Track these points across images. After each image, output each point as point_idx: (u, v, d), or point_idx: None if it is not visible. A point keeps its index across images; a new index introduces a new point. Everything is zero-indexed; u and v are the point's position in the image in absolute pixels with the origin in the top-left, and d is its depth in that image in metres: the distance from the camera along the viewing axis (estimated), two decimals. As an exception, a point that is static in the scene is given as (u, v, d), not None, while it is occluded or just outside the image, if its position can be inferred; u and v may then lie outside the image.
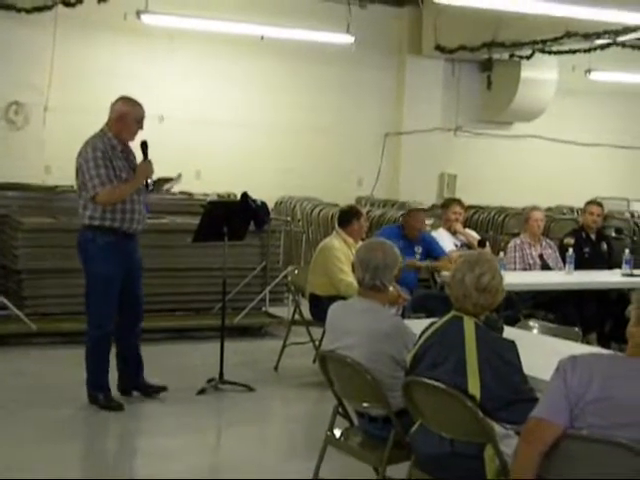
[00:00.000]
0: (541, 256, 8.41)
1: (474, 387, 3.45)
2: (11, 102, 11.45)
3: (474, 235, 8.61)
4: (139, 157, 6.19)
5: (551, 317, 8.07)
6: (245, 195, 6.87)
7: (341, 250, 7.04)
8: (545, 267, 8.37)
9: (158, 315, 8.39)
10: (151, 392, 6.37)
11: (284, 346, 7.44)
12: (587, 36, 10.96)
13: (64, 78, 11.52)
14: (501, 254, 7.78)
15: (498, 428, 3.46)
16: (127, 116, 6.00)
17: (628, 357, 3.03)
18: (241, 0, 12.02)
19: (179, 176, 6.33)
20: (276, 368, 7.40)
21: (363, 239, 7.10)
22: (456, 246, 8.19)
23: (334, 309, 4.36)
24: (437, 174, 14.08)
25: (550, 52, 12.33)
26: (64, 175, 10.40)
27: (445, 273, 7.22)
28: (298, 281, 7.64)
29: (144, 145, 6.12)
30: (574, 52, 12.12)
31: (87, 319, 6.19)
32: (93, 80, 11.56)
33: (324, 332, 7.01)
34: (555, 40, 11.40)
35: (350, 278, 6.65)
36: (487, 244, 8.17)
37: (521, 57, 13.12)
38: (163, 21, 11.24)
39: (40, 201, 9.39)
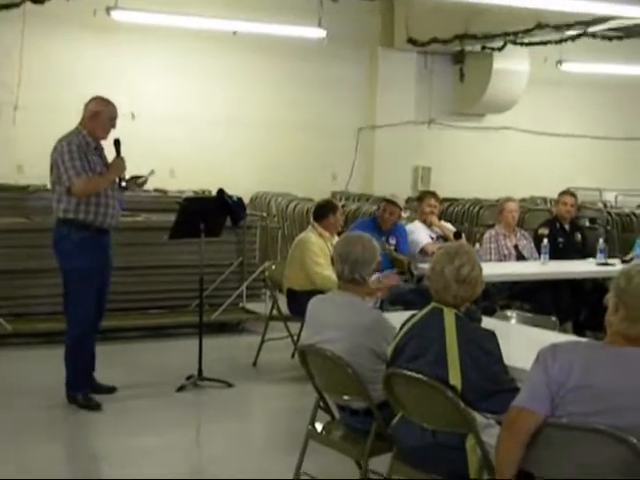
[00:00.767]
0: (516, 247, 8.46)
1: (455, 378, 3.47)
2: (-20, 101, 11.37)
3: (450, 227, 8.64)
4: (112, 154, 6.17)
5: (527, 307, 8.12)
6: (221, 191, 6.84)
7: (317, 244, 7.05)
8: (520, 258, 8.41)
9: (135, 313, 8.39)
10: (101, 391, 6.30)
11: (262, 341, 7.43)
12: (558, 27, 11.04)
13: (34, 76, 11.45)
14: (477, 245, 7.82)
15: (479, 418, 3.47)
16: (100, 115, 6.05)
17: (607, 345, 3.05)
18: (212, -5, 12.01)
19: (151, 172, 6.30)
20: (255, 364, 7.39)
21: (339, 233, 7.11)
22: (432, 238, 8.21)
23: (314, 303, 4.36)
24: (411, 167, 14.12)
25: (522, 43, 12.42)
26: (36, 174, 10.34)
27: (422, 265, 7.25)
28: (275, 276, 7.63)
29: (117, 143, 6.14)
30: (545, 43, 12.21)
31: (66, 318, 6.18)
32: (63, 78, 11.50)
33: (302, 327, 7.06)
34: (526, 31, 11.47)
35: (327, 271, 6.65)
36: (463, 236, 8.19)
37: (493, 49, 13.18)
38: (133, 17, 11.17)
39: (13, 201, 9.35)
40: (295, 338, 7.18)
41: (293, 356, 7.33)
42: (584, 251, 8.63)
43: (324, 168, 13.31)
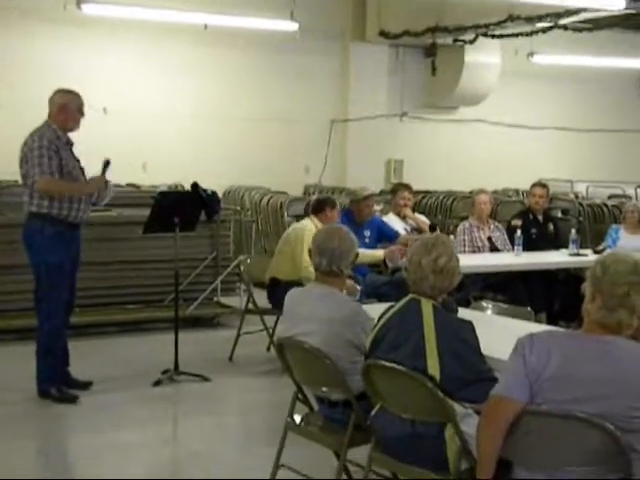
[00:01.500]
0: (489, 238, 8.51)
1: (433, 368, 3.48)
2: (-49, 97, 11.25)
3: (424, 219, 8.68)
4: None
5: (501, 298, 8.17)
6: (196, 185, 6.82)
7: (312, 234, 7.01)
8: (494, 249, 8.47)
9: (111, 309, 8.36)
10: (76, 387, 6.29)
11: (238, 335, 7.43)
12: (529, 19, 11.10)
13: (4, 71, 11.33)
14: (450, 237, 7.84)
15: (458, 408, 3.49)
16: (68, 106, 6.06)
17: (584, 334, 3.08)
18: (184, -11, 11.95)
19: (106, 163, 6.22)
20: (231, 358, 7.39)
21: None
22: (406, 231, 8.24)
23: (291, 295, 4.36)
24: (384, 160, 14.14)
25: (493, 36, 12.45)
26: (8, 170, 10.29)
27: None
28: (250, 270, 7.62)
29: (106, 163, 6.18)
30: (517, 35, 12.26)
31: (37, 313, 6.15)
32: (33, 73, 11.38)
33: (277, 320, 7.06)
34: (498, 24, 11.51)
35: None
36: (437, 229, 8.22)
37: (464, 42, 13.22)
38: (104, 11, 11.11)
39: (-17, 197, 9.23)
40: (271, 331, 7.19)
41: (269, 349, 7.34)
42: (557, 242, 8.72)
43: (297, 161, 13.30)
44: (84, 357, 6.82)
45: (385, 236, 7.91)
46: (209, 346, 7.96)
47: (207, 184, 7.21)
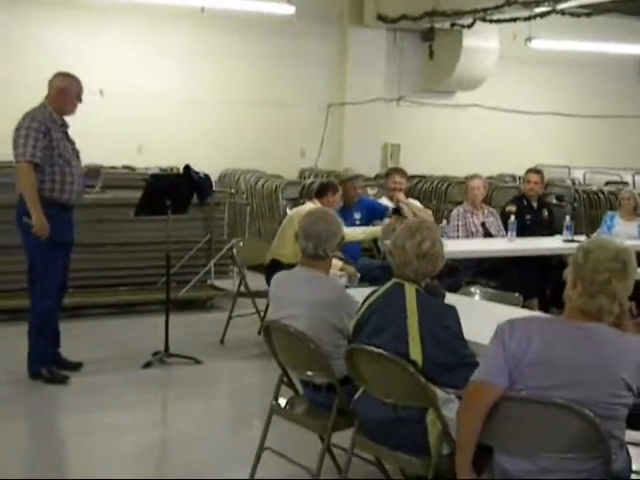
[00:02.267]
0: (483, 224, 8.50)
1: (415, 353, 3.48)
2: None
3: (417, 205, 8.64)
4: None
5: (493, 284, 8.17)
6: (188, 168, 6.81)
7: None
8: (487, 235, 8.46)
9: (103, 290, 8.35)
10: (67, 367, 6.31)
11: (229, 318, 7.44)
12: (527, 4, 11.05)
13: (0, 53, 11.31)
14: (443, 222, 7.84)
15: (440, 393, 3.49)
16: (67, 90, 6.06)
17: (565, 320, 3.08)
18: (180, -30, 11.90)
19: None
20: (222, 340, 7.40)
21: None
22: (398, 215, 8.20)
23: (277, 278, 4.36)
24: (381, 144, 14.12)
25: (491, 20, 12.40)
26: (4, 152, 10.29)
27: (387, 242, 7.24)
28: (243, 253, 7.62)
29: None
30: (514, 20, 12.21)
31: (30, 293, 6.17)
32: (30, 55, 11.38)
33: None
34: (496, 8, 11.46)
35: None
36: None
37: (462, 26, 13.17)
38: (101, -8, 11.08)
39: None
40: (262, 314, 7.19)
41: (260, 332, 7.34)
42: (551, 228, 8.71)
43: (293, 145, 13.29)
44: (75, 339, 6.82)
45: (376, 213, 7.88)
46: (201, 329, 7.97)
47: (203, 167, 7.21)
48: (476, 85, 14.30)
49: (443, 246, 3.71)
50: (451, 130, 14.59)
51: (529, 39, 13.67)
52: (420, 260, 3.62)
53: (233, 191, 10.51)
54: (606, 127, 15.80)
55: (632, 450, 3.25)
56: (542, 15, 11.84)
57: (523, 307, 6.71)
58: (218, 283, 8.94)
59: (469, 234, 8.43)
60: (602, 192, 10.60)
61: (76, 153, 6.18)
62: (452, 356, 3.52)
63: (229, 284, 8.69)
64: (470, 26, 12.89)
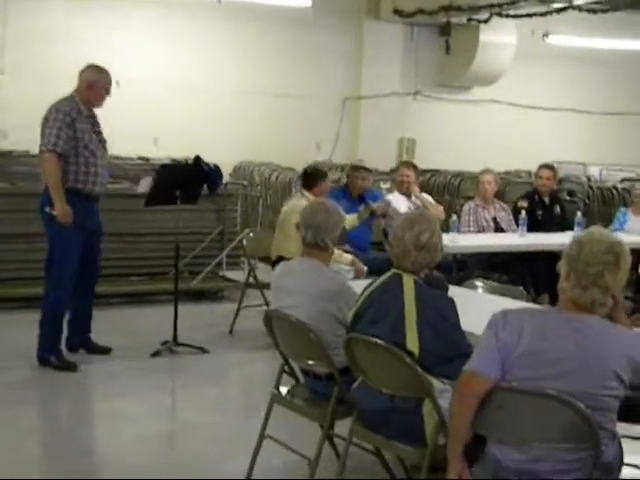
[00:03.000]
0: (494, 219, 8.51)
1: (412, 343, 3.52)
2: (-37, 64, 11.32)
3: (429, 199, 8.65)
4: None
5: (504, 279, 8.19)
6: (198, 158, 6.85)
7: None
8: (499, 229, 8.47)
9: (115, 280, 8.42)
10: (97, 351, 6.52)
11: (239, 309, 7.49)
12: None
13: (19, 41, 11.36)
14: (454, 216, 7.85)
15: (436, 383, 3.52)
16: (96, 84, 6.20)
17: (558, 311, 3.11)
18: (198, -37, 11.95)
19: None
20: (231, 331, 7.45)
21: None
22: (410, 209, 8.22)
23: (279, 268, 4.41)
24: (396, 138, 14.10)
25: (507, 15, 12.36)
26: (20, 140, 10.39)
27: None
28: (252, 244, 7.67)
29: None
30: (531, 16, 12.16)
31: (46, 281, 6.27)
32: (48, 43, 11.43)
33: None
34: (512, 4, 11.44)
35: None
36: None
37: (479, 21, 13.14)
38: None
39: (-4, 166, 9.32)
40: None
41: (267, 323, 7.38)
42: (563, 224, 8.69)
43: (309, 138, 13.29)
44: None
45: None
46: (211, 319, 8.03)
47: (218, 159, 7.25)
48: (493, 81, 14.25)
49: (441, 237, 3.74)
50: (467, 125, 14.55)
51: (546, 35, 13.61)
52: (419, 251, 3.65)
53: (246, 183, 10.55)
54: (624, 124, 15.71)
55: (626, 443, 3.27)
56: (558, 11, 11.80)
57: (534, 302, 6.77)
58: (230, 274, 8.99)
59: (480, 229, 8.44)
60: (616, 188, 10.56)
61: (102, 144, 6.30)
62: (449, 347, 3.55)
63: (241, 275, 8.73)
64: (486, 21, 12.84)
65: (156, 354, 6.59)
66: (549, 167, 8.91)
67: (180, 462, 4.72)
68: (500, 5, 11.68)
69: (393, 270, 3.72)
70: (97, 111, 6.35)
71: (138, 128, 11.75)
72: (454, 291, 4.38)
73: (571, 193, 10.07)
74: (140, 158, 11.09)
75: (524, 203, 8.58)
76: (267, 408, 4.32)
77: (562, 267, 3.10)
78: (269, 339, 4.35)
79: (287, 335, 4.15)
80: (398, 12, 12.90)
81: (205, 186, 6.96)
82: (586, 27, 13.38)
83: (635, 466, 3.80)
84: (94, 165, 6.11)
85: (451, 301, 3.63)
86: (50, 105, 6.08)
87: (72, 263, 6.16)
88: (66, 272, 6.16)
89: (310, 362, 4.12)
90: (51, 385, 5.99)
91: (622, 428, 3.22)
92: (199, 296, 8.71)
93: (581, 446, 2.95)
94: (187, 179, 6.79)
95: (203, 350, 6.73)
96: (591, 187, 10.70)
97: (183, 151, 11.23)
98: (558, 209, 8.89)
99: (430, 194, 9.19)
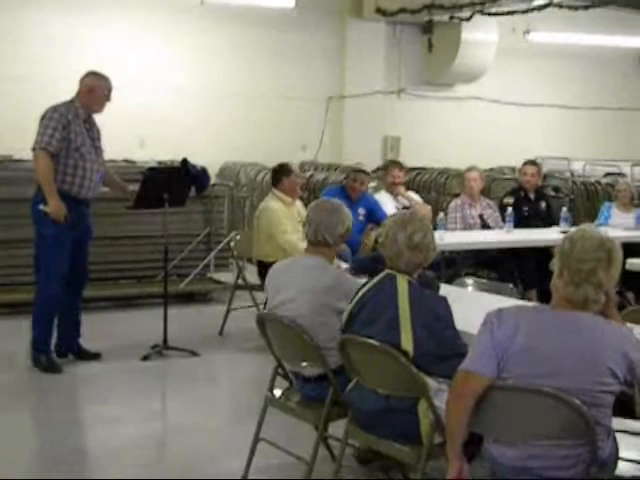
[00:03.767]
0: (481, 216, 8.53)
1: (407, 343, 3.52)
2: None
3: (416, 198, 8.67)
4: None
5: (493, 275, 8.23)
6: (185, 161, 6.85)
7: (279, 211, 7.03)
8: (485, 226, 8.49)
9: (104, 284, 8.40)
10: (86, 357, 6.52)
11: (228, 311, 7.49)
12: (524, -3, 11.07)
13: (7, 46, 11.32)
14: (441, 214, 7.86)
15: (432, 383, 3.53)
16: (97, 89, 6.29)
17: (552, 309, 3.12)
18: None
19: None
20: (221, 333, 7.45)
21: (302, 198, 7.10)
22: (397, 209, 8.22)
23: (276, 266, 4.40)
24: (381, 137, 14.14)
25: (489, 13, 12.40)
26: (4, 145, 10.33)
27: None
28: (241, 246, 7.66)
29: None
30: (512, 13, 12.21)
31: (36, 279, 6.30)
32: (31, 46, 11.36)
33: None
34: (494, 1, 11.48)
35: (294, 237, 6.70)
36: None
37: (461, 19, 13.18)
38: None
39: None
40: (261, 307, 7.22)
41: (258, 325, 7.38)
42: (549, 220, 8.73)
43: (294, 138, 13.28)
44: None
45: (375, 217, 7.81)
46: (201, 321, 8.03)
47: (204, 160, 7.26)
48: (475, 78, 14.30)
49: (434, 237, 3.75)
50: (451, 122, 14.60)
51: (527, 32, 13.68)
52: (412, 251, 3.66)
53: (232, 184, 10.53)
54: (606, 119, 15.81)
55: (622, 438, 3.29)
56: (539, 8, 11.85)
57: (522, 298, 6.79)
58: (218, 276, 8.98)
59: (467, 226, 8.46)
60: (599, 183, 10.61)
61: (96, 150, 6.31)
62: (443, 346, 3.55)
63: (229, 277, 8.73)
64: (469, 19, 12.89)
65: (146, 358, 6.58)
66: (533, 163, 8.96)
67: (172, 465, 4.72)
68: (482, 3, 11.73)
69: (387, 271, 3.73)
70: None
71: (123, 130, 11.70)
72: (445, 290, 4.39)
73: (556, 189, 10.12)
74: (125, 160, 11.04)
75: (510, 200, 8.61)
76: (261, 411, 4.32)
77: (555, 265, 3.11)
78: (259, 341, 4.36)
79: (280, 337, 4.15)
80: (381, 11, 12.93)
81: (193, 188, 6.96)
82: (567, 24, 13.46)
83: (630, 461, 3.82)
84: (83, 169, 6.13)
85: (445, 300, 3.65)
86: (49, 106, 6.13)
87: (62, 262, 6.17)
88: (53, 274, 6.17)
89: (304, 363, 4.12)
90: (41, 390, 5.99)
91: (617, 423, 3.24)
92: (188, 299, 8.70)
93: (578, 442, 2.97)
94: (175, 182, 6.79)
95: (193, 353, 6.72)
96: (575, 182, 10.75)
97: (169, 153, 11.23)
98: (544, 205, 8.92)
99: (417, 192, 9.22)
